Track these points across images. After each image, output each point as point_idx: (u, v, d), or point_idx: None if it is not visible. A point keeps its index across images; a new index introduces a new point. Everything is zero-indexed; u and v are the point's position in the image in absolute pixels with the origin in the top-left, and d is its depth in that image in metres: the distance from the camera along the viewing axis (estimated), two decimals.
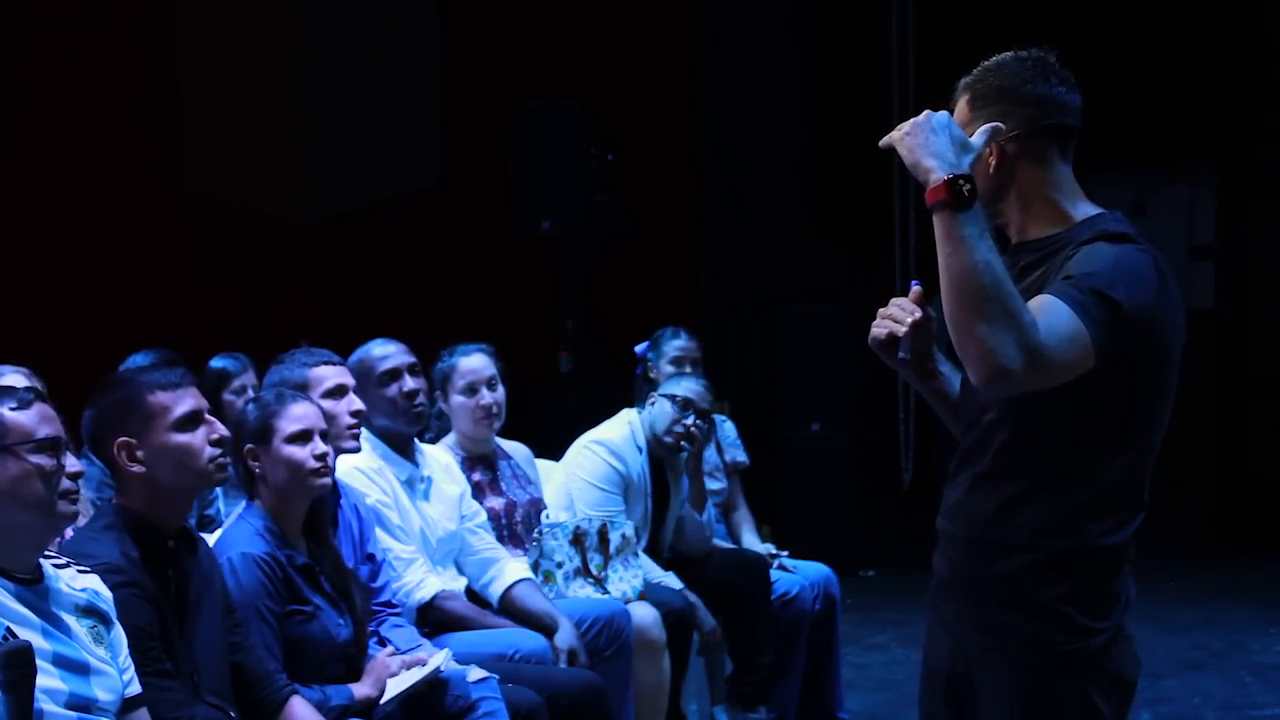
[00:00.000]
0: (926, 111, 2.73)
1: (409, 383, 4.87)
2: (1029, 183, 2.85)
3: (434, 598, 4.68)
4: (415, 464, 4.90)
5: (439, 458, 5.06)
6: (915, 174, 2.72)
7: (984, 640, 2.84)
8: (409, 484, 4.84)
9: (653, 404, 5.70)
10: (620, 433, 5.69)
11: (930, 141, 2.69)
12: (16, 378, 4.60)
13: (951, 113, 2.85)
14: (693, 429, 5.63)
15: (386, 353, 4.91)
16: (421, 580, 4.67)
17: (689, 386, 5.69)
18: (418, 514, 4.82)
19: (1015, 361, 2.57)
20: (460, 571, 5.01)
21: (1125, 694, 2.86)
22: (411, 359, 4.93)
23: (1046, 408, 2.72)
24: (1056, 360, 2.61)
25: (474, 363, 5.27)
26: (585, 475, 5.60)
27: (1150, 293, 2.72)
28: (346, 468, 4.57)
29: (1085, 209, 2.86)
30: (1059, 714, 2.79)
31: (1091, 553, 2.77)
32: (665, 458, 5.75)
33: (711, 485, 6.01)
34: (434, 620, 4.67)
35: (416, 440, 4.98)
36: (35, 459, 2.94)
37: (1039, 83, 2.85)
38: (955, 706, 2.93)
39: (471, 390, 5.23)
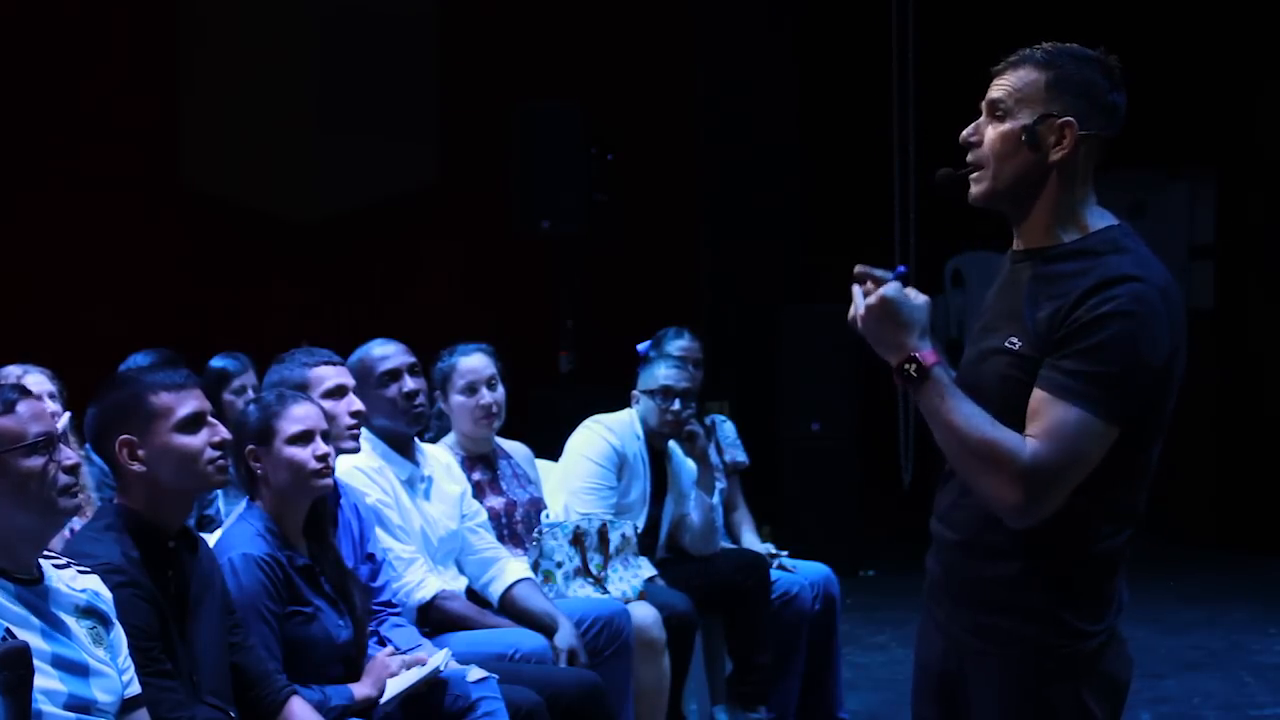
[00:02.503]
0: (880, 294, 2.74)
1: (409, 383, 4.87)
2: (1072, 185, 2.79)
3: (434, 598, 4.68)
4: (416, 463, 4.90)
5: (439, 457, 5.06)
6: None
7: (977, 643, 2.83)
8: (409, 483, 4.85)
9: (637, 403, 5.74)
10: (620, 418, 5.75)
11: (880, 333, 2.75)
12: (40, 378, 4.61)
13: (992, 78, 2.81)
14: (682, 413, 5.67)
15: (386, 353, 4.91)
16: (422, 580, 4.68)
17: (664, 374, 5.72)
18: (418, 513, 4.82)
19: (1015, 496, 2.66)
20: (461, 571, 5.01)
21: (1118, 695, 2.85)
22: (411, 359, 4.93)
23: None
24: (1064, 465, 2.66)
25: (474, 362, 5.27)
26: (580, 450, 5.63)
27: (1159, 346, 2.70)
28: (347, 467, 4.57)
29: (1097, 219, 2.81)
30: (1052, 717, 2.78)
31: (1087, 557, 2.76)
32: (664, 449, 5.78)
33: None
34: (434, 620, 4.67)
35: (417, 440, 4.98)
36: (29, 462, 2.93)
37: (1117, 94, 2.80)
38: (946, 707, 2.92)
39: (471, 390, 5.24)
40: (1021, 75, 2.79)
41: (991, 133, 2.80)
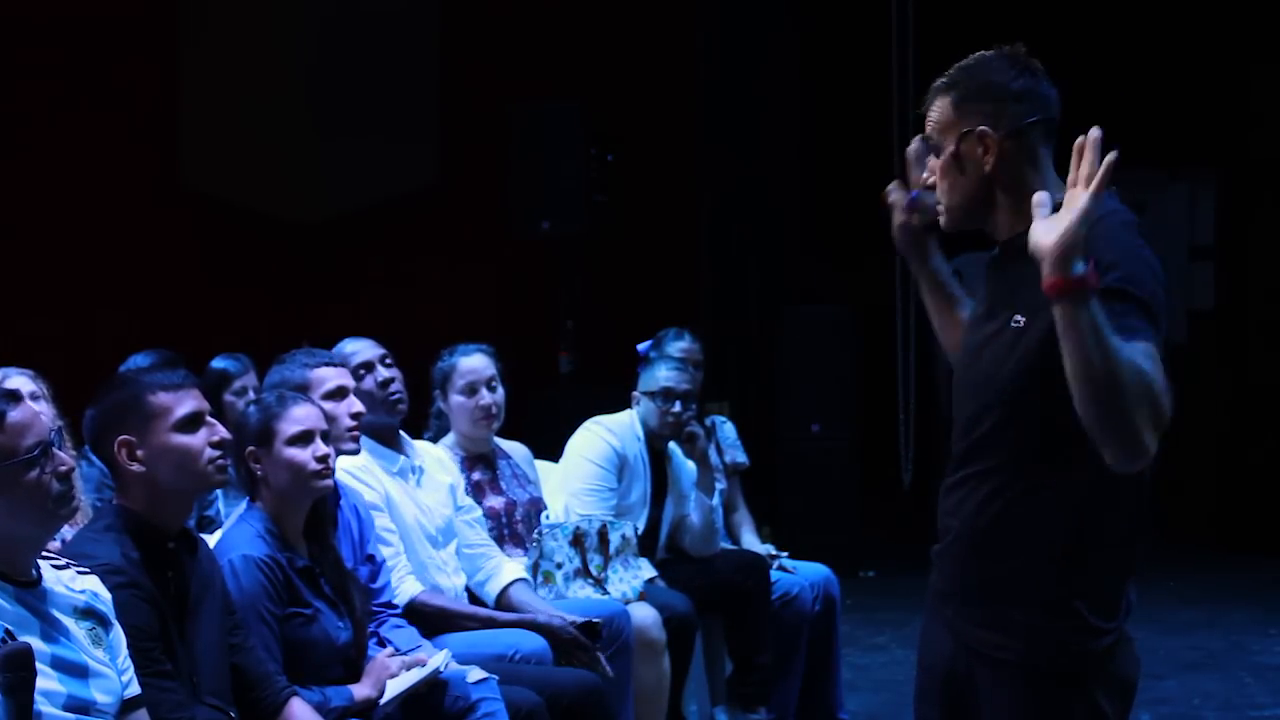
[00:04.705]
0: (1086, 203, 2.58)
1: (382, 373, 4.88)
2: (1022, 181, 2.81)
3: (411, 601, 4.65)
4: (405, 454, 4.90)
5: (430, 451, 5.07)
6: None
7: (990, 637, 2.82)
8: (401, 474, 4.84)
9: (638, 404, 5.74)
10: (620, 419, 5.75)
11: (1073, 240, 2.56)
12: (22, 380, 4.58)
13: (924, 116, 2.88)
14: (683, 415, 5.67)
15: (356, 348, 4.94)
16: (397, 586, 4.63)
17: (665, 375, 5.72)
18: (412, 502, 4.81)
19: (1151, 436, 2.56)
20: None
21: (1128, 695, 2.85)
22: (382, 350, 4.95)
23: (1045, 401, 2.69)
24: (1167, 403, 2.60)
25: (474, 363, 5.28)
26: (580, 452, 5.63)
27: (1142, 264, 2.69)
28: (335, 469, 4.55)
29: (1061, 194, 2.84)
30: (1066, 717, 2.78)
31: (1100, 547, 2.76)
32: (665, 451, 5.78)
33: None
34: (416, 621, 4.64)
35: (403, 433, 4.98)
36: (24, 477, 2.91)
37: (1025, 78, 2.84)
38: (951, 709, 2.92)
39: (471, 390, 5.24)
40: (937, 107, 2.88)
41: (935, 169, 2.90)
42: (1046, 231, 2.56)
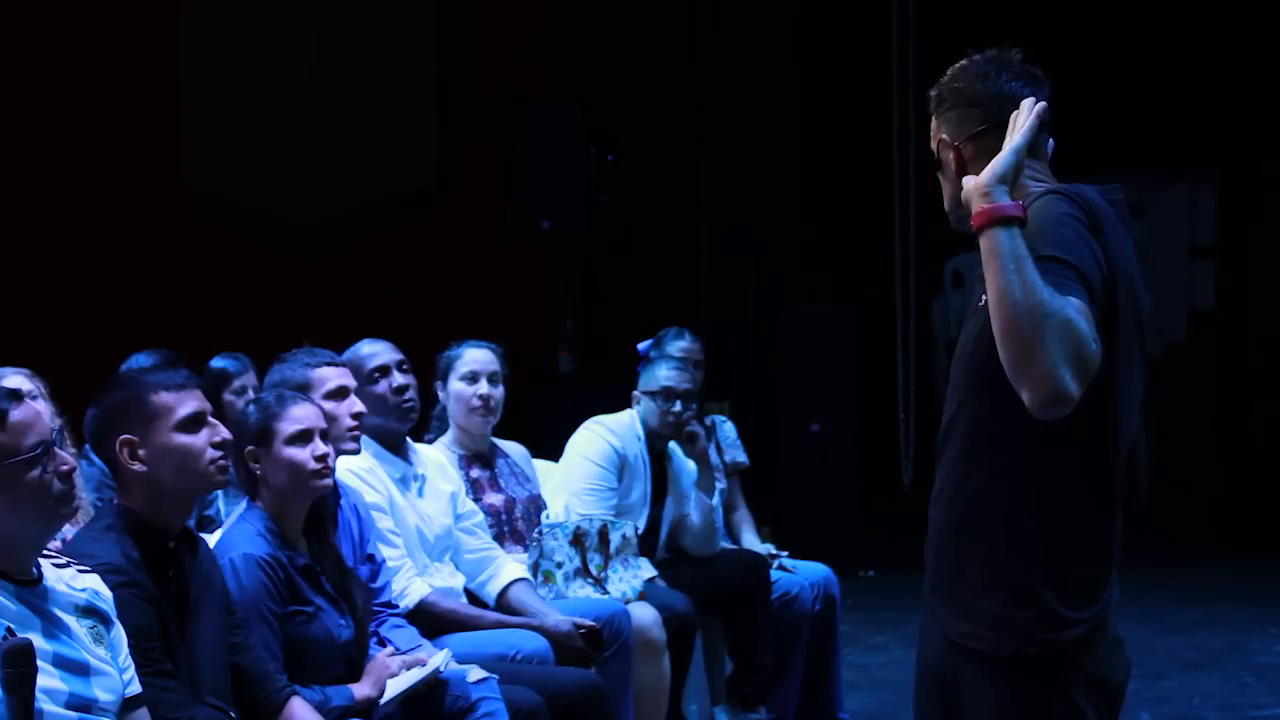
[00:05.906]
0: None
1: (398, 378, 4.87)
2: None
3: (419, 603, 4.66)
4: (409, 461, 4.90)
5: (432, 456, 5.07)
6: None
7: (963, 627, 2.81)
8: (403, 481, 4.84)
9: (638, 404, 5.74)
10: (621, 419, 5.75)
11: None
12: (19, 379, 4.58)
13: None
14: (683, 414, 5.67)
15: (374, 350, 4.92)
16: (405, 587, 4.65)
17: (665, 375, 5.72)
18: (413, 510, 4.82)
19: (1071, 380, 2.52)
20: (457, 568, 5.01)
21: (1112, 698, 2.83)
22: (399, 355, 4.94)
23: (1001, 379, 2.64)
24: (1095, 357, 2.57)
25: (480, 355, 5.29)
26: (581, 451, 5.64)
27: (1076, 239, 2.67)
28: (339, 469, 4.56)
29: (1032, 186, 2.82)
30: (1042, 717, 2.77)
31: (1067, 534, 2.75)
32: (665, 450, 5.78)
33: None
34: (423, 623, 4.65)
35: (409, 439, 4.98)
36: (26, 476, 2.91)
37: (990, 80, 2.88)
38: (946, 705, 2.92)
39: (473, 378, 5.25)
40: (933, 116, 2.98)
41: None
42: (976, 175, 2.69)
